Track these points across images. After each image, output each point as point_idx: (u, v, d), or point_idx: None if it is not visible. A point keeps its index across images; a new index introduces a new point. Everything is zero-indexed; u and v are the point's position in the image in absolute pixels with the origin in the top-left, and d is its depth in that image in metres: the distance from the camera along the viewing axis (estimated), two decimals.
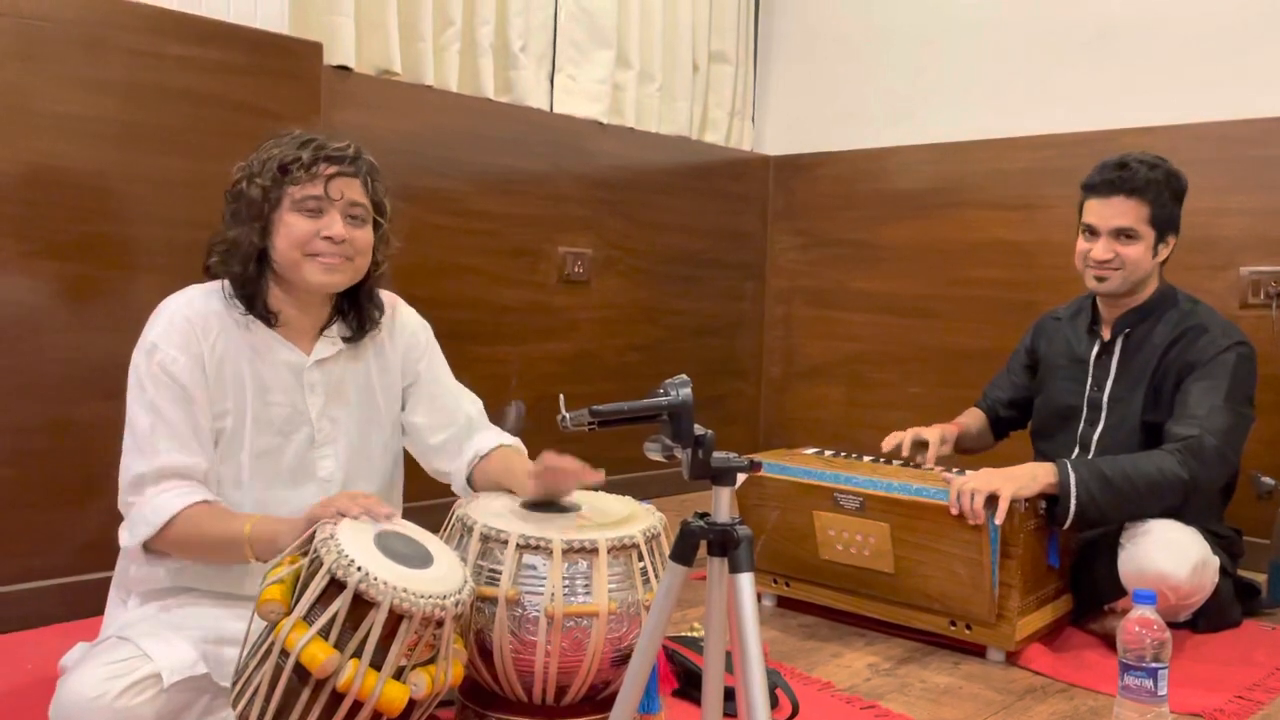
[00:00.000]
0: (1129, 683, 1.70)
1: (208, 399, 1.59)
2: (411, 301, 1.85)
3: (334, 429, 1.70)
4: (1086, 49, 3.31)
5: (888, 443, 2.42)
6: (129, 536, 1.55)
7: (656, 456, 1.19)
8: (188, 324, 1.59)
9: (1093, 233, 2.30)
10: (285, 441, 1.66)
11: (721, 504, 1.17)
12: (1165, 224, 2.26)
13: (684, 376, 1.18)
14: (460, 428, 1.82)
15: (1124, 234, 2.25)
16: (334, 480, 1.69)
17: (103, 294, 2.20)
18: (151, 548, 1.55)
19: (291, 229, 1.59)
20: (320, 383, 1.69)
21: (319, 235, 1.59)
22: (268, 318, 1.64)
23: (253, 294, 1.63)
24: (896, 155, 3.74)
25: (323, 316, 1.70)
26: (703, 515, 1.19)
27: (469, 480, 1.81)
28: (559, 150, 3.35)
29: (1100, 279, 2.29)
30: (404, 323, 1.81)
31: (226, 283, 1.63)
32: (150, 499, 1.53)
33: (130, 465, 1.57)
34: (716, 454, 1.16)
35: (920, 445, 2.41)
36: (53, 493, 2.14)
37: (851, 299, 3.86)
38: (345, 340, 1.71)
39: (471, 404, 1.86)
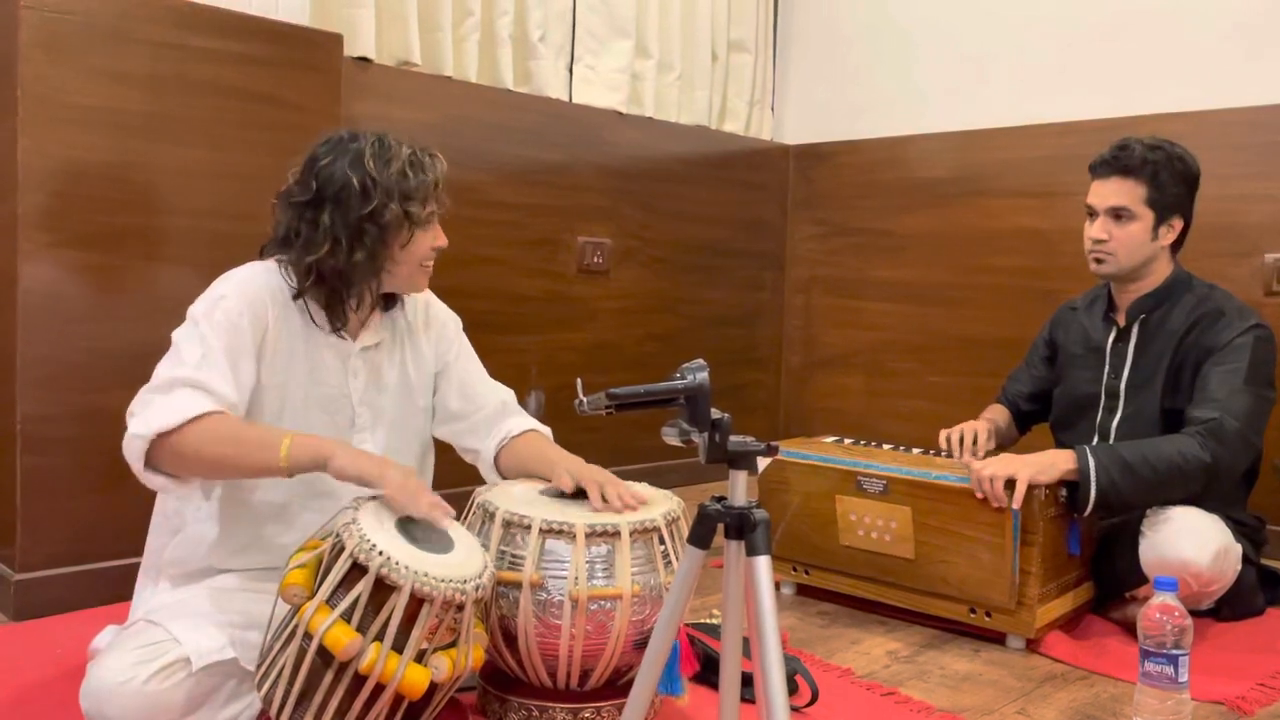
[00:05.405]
0: (1149, 669, 1.70)
1: (259, 361, 1.61)
2: (432, 291, 1.87)
3: (373, 415, 1.75)
4: (1108, 35, 3.28)
5: (942, 439, 2.39)
6: (142, 424, 1.47)
7: (674, 441, 1.20)
8: (258, 290, 1.62)
9: (1092, 214, 2.29)
10: (329, 422, 1.70)
11: (738, 487, 1.18)
12: (1166, 206, 2.24)
13: (700, 361, 1.19)
14: (492, 410, 1.88)
15: (1119, 214, 2.24)
16: None
17: (128, 284, 2.22)
18: (157, 454, 1.48)
19: (419, 246, 1.67)
20: (362, 369, 1.73)
21: (432, 247, 1.69)
22: (339, 323, 1.67)
23: (341, 307, 1.66)
24: (916, 144, 3.72)
25: (370, 306, 1.74)
26: (720, 499, 1.19)
27: (496, 460, 1.85)
28: (578, 140, 3.35)
29: (1099, 260, 2.29)
30: (435, 314, 1.87)
31: (284, 266, 1.66)
32: (182, 395, 1.49)
33: (163, 371, 1.53)
34: (733, 438, 1.16)
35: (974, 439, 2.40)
36: (80, 480, 2.17)
37: (871, 288, 3.85)
38: (382, 313, 1.76)
39: (503, 391, 1.92)
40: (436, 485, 1.92)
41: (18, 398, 2.10)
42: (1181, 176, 2.25)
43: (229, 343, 1.56)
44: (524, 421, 1.88)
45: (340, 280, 1.63)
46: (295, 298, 1.64)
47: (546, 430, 1.90)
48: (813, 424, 3.97)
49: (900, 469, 2.18)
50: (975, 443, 2.36)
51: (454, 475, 2.02)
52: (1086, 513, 2.10)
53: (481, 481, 1.81)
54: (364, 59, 2.81)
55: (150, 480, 1.52)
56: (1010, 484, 2.02)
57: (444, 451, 1.92)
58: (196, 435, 1.47)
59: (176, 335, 1.58)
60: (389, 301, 1.77)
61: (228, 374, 1.55)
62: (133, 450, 1.49)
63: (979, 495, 2.05)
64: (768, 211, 4.04)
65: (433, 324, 1.86)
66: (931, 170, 3.67)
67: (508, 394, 1.92)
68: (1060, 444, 2.45)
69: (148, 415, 1.49)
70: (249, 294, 1.61)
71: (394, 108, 2.84)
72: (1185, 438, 2.10)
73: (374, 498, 1.50)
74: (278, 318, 1.63)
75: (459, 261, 2.99)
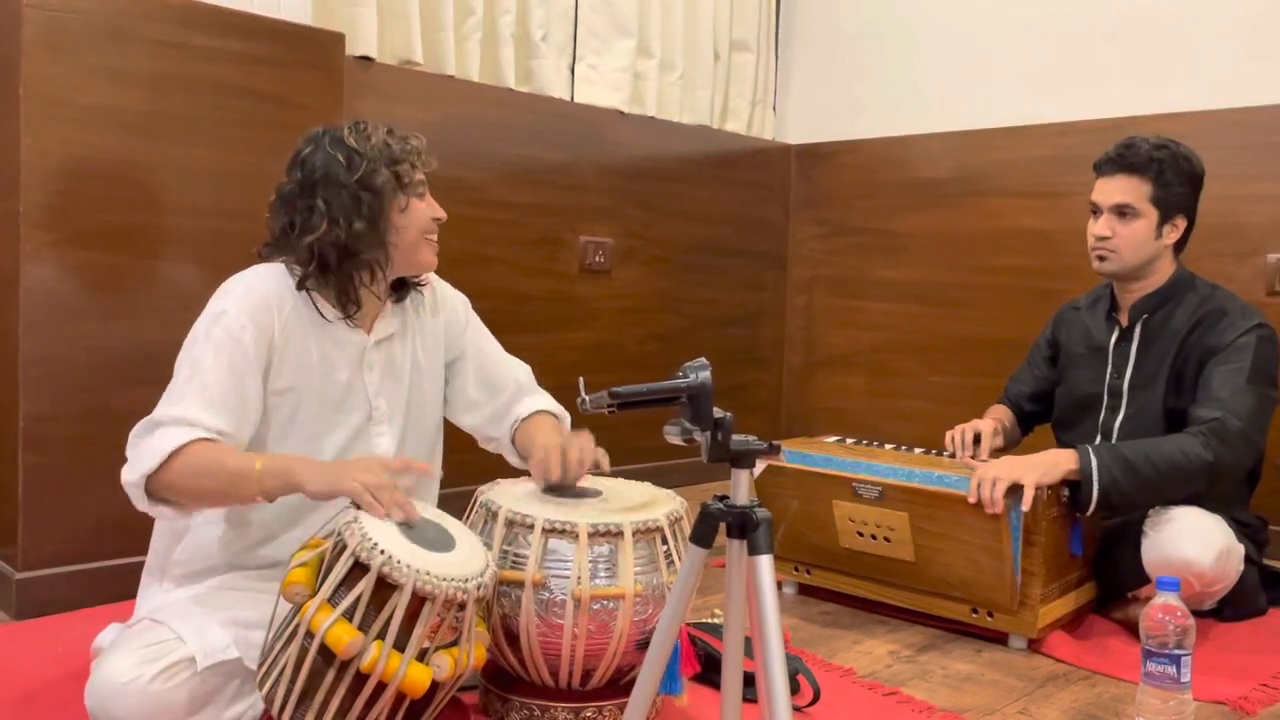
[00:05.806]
0: (1152, 669, 1.69)
1: (266, 372, 1.60)
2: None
3: (389, 407, 1.74)
4: (1110, 34, 3.28)
5: (948, 439, 2.39)
6: (132, 471, 1.50)
7: (676, 440, 1.19)
8: (264, 297, 1.61)
9: (1096, 211, 2.30)
10: (346, 418, 1.69)
11: (740, 487, 1.18)
12: (1170, 205, 2.24)
13: (703, 359, 1.19)
14: (509, 394, 1.87)
15: (1123, 211, 2.24)
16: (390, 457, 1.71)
17: (130, 283, 2.22)
18: (155, 490, 1.50)
19: (417, 213, 1.67)
20: (378, 362, 1.73)
21: (431, 218, 1.69)
22: (353, 309, 1.67)
23: (353, 289, 1.65)
24: (918, 143, 3.72)
25: (384, 297, 1.73)
26: (722, 498, 1.19)
27: (514, 445, 1.86)
28: (580, 140, 3.35)
29: (1101, 258, 2.29)
30: (443, 297, 1.87)
31: (289, 265, 1.65)
32: (161, 434, 1.50)
33: (155, 411, 1.55)
34: (736, 436, 1.16)
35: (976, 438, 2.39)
36: (82, 479, 2.16)
37: (873, 288, 3.85)
38: (394, 304, 1.76)
39: (521, 370, 1.92)
40: (440, 486, 1.92)
41: (20, 396, 2.10)
42: (1186, 176, 2.25)
43: (230, 361, 1.55)
44: (531, 402, 1.87)
45: (346, 258, 1.61)
46: (299, 287, 1.63)
47: (557, 408, 1.89)
48: (814, 424, 3.97)
49: (899, 471, 2.17)
50: (977, 442, 2.36)
51: (454, 475, 2.01)
52: (1089, 512, 2.10)
53: (488, 478, 1.80)
54: (366, 58, 2.81)
55: (158, 513, 1.54)
56: (1013, 488, 2.01)
57: (445, 452, 1.92)
58: (179, 472, 1.48)
59: (177, 361, 1.58)
60: (400, 293, 1.76)
61: (215, 398, 1.53)
62: (132, 496, 1.52)
63: (972, 500, 2.03)
64: (769, 211, 4.04)
65: (441, 307, 1.85)
66: (933, 170, 3.67)
67: (523, 372, 1.91)
68: (1062, 444, 2.45)
69: (134, 459, 1.51)
70: (253, 303, 1.59)
71: (396, 107, 2.84)
72: (1188, 437, 2.10)
73: None
74: (286, 322, 1.62)
75: (460, 261, 2.99)
